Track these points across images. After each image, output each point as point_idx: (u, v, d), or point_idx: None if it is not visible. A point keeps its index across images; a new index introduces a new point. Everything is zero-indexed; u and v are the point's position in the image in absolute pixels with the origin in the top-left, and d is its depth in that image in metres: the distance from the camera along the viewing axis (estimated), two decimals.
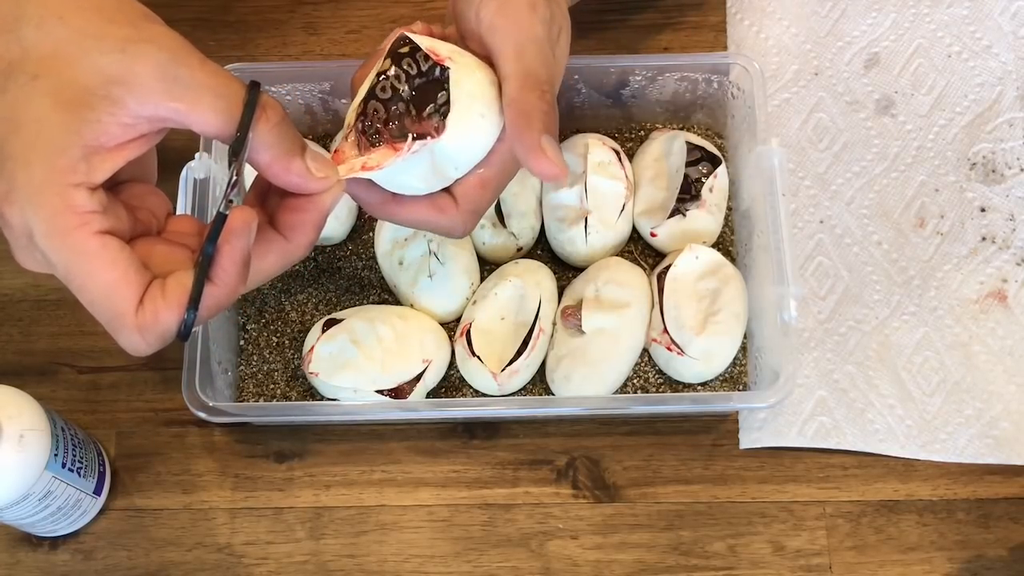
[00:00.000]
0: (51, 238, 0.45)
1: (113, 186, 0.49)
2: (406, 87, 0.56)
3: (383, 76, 0.56)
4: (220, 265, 0.48)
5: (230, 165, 0.48)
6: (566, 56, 0.59)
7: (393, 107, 0.55)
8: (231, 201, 0.48)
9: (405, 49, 0.56)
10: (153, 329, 0.47)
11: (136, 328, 0.47)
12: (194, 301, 0.47)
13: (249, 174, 0.56)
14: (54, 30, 0.46)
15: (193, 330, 0.48)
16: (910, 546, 0.70)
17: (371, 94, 0.56)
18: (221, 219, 0.48)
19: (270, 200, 0.54)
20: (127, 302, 0.46)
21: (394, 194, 0.57)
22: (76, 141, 0.45)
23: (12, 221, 0.46)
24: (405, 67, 0.56)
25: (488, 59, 0.57)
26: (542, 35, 0.56)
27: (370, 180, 0.56)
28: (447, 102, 0.54)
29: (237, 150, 0.48)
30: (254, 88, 0.48)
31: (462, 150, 0.56)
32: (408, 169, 0.56)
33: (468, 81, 0.55)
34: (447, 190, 0.58)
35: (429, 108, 0.55)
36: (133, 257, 0.47)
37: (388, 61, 0.56)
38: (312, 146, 0.53)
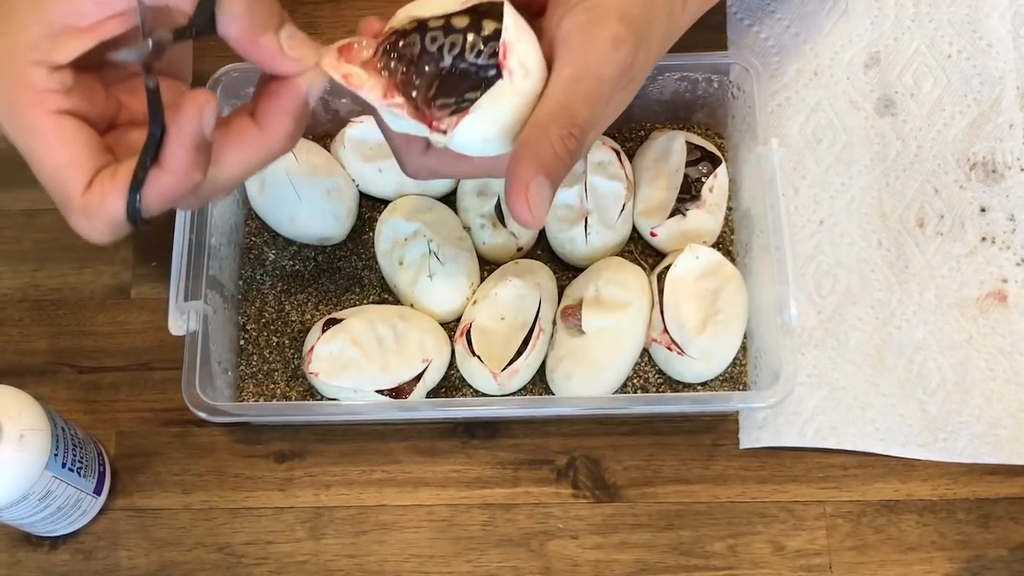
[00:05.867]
0: (8, 116, 0.45)
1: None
2: (450, 60, 0.49)
3: (447, 29, 0.49)
4: (168, 148, 0.45)
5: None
6: (624, 106, 0.54)
7: (425, 63, 0.49)
8: (148, 70, 0.45)
9: (489, 29, 0.49)
10: (99, 212, 0.45)
11: (81, 211, 0.45)
12: (137, 183, 0.44)
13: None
14: None
15: (147, 219, 0.46)
16: (910, 546, 0.70)
17: (424, 28, 0.49)
18: (151, 95, 0.45)
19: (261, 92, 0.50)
20: (75, 184, 0.45)
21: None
22: (40, 19, 0.45)
23: None
24: (470, 42, 0.49)
25: (549, 66, 0.50)
26: (609, 77, 0.50)
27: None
28: (473, 101, 0.48)
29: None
30: None
31: (446, 147, 0.51)
32: (391, 116, 0.51)
33: (506, 105, 0.49)
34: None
35: (448, 100, 0.49)
36: (91, 140, 0.46)
37: (466, 18, 0.49)
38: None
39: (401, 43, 0.49)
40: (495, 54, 0.48)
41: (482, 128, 0.49)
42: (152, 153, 0.45)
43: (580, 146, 0.50)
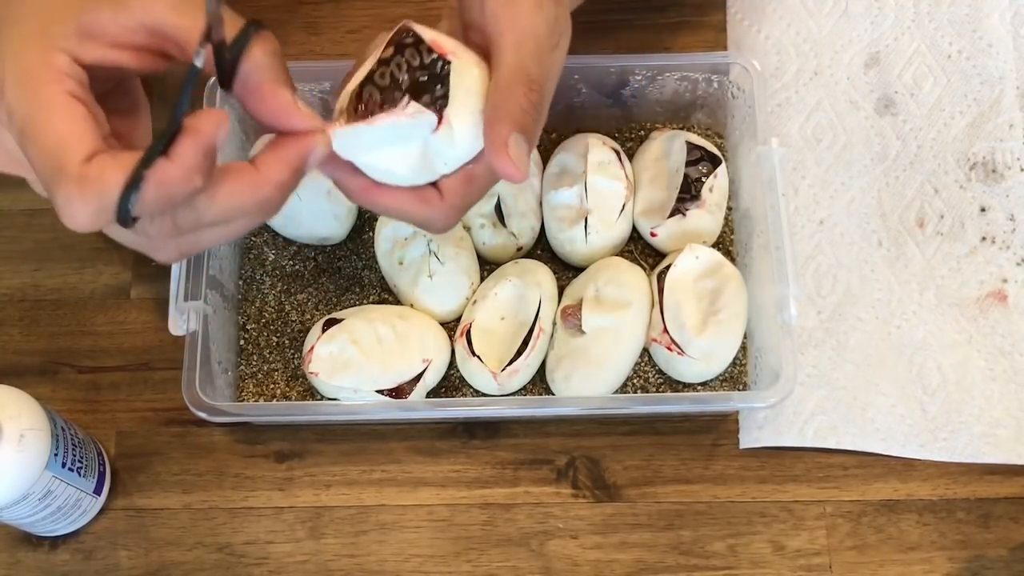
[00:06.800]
0: (22, 87, 0.47)
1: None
2: (406, 77, 0.55)
3: (383, 64, 0.55)
4: (180, 142, 0.46)
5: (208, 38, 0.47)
6: (562, 63, 0.59)
7: (390, 95, 0.55)
8: (208, 39, 0.47)
9: (409, 40, 0.55)
10: (94, 183, 0.45)
11: (76, 178, 0.45)
12: (147, 160, 0.45)
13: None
14: None
15: (134, 215, 0.46)
16: (910, 546, 0.70)
17: (369, 80, 0.55)
18: (191, 76, 0.47)
19: None
20: (75, 155, 0.46)
21: (378, 182, 0.57)
22: (74, 19, 0.48)
23: None
24: (407, 57, 0.55)
25: (487, 51, 0.56)
26: (543, 33, 0.55)
27: (355, 166, 0.55)
28: (445, 95, 0.54)
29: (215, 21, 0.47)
30: (255, 22, 0.49)
31: (453, 145, 0.54)
32: (396, 155, 0.55)
33: (468, 77, 0.54)
34: (433, 183, 0.57)
35: (425, 98, 0.54)
36: (98, 128, 0.47)
37: (391, 49, 0.56)
38: None
39: (360, 100, 0.55)
40: (431, 52, 0.54)
41: (469, 103, 0.54)
42: (164, 143, 0.46)
43: (542, 99, 0.55)
